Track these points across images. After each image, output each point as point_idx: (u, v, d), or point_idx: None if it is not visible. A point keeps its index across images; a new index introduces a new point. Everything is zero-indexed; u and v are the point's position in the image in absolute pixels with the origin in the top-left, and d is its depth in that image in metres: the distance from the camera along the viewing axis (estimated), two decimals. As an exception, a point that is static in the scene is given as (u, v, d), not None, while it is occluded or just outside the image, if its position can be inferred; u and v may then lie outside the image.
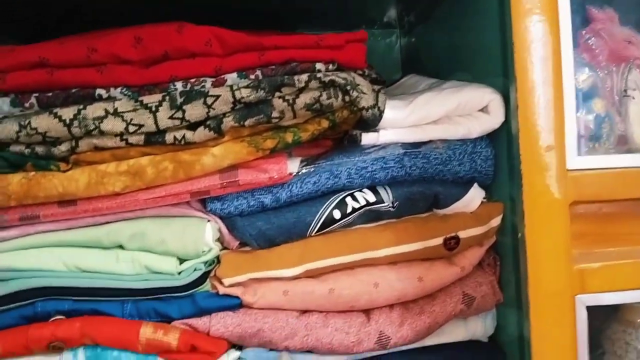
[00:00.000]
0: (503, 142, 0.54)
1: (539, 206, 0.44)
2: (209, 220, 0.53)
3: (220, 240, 0.55)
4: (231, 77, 0.52)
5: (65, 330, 0.49)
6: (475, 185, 0.56)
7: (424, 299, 0.55)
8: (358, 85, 0.52)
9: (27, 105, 0.50)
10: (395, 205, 0.54)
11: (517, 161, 0.47)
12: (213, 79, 0.51)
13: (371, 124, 0.54)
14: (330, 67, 0.53)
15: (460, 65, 0.66)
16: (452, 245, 0.55)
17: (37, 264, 0.50)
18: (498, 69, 0.54)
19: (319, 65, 0.53)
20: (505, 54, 0.51)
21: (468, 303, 0.55)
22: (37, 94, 0.50)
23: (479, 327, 0.58)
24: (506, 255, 0.56)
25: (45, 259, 0.50)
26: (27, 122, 0.49)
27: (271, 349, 0.53)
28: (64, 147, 0.50)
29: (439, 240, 0.55)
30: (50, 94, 0.50)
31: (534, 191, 0.45)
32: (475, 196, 0.56)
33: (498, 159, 0.56)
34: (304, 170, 0.54)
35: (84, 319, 0.49)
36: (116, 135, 0.50)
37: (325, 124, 0.54)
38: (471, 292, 0.55)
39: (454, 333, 0.57)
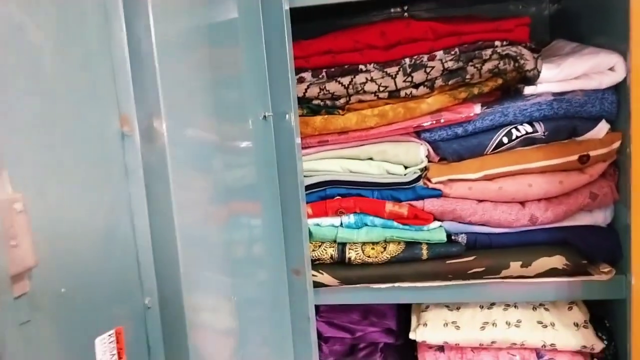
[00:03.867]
0: (623, 92, 0.80)
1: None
2: (422, 144, 0.87)
3: (428, 156, 0.89)
4: (439, 54, 0.83)
5: (344, 203, 0.87)
6: (603, 120, 0.82)
7: (562, 196, 0.84)
8: (523, 55, 0.81)
9: (320, 76, 0.86)
10: (545, 134, 0.83)
11: (629, 104, 0.73)
12: (428, 55, 0.84)
13: (532, 80, 0.82)
14: (505, 43, 0.83)
15: (598, 29, 0.90)
16: (585, 160, 0.83)
17: (327, 167, 0.88)
18: (622, 37, 0.78)
19: (497, 43, 0.82)
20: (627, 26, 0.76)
21: (593, 198, 0.83)
22: (326, 69, 0.86)
23: (600, 217, 0.86)
24: (622, 168, 0.82)
25: (331, 165, 0.88)
26: (323, 86, 0.85)
27: (459, 222, 0.87)
28: (342, 101, 0.86)
29: (575, 157, 0.83)
30: (333, 69, 0.86)
31: (638, 123, 0.71)
32: (602, 128, 0.82)
33: (620, 103, 0.81)
34: (483, 112, 0.85)
35: (354, 198, 0.87)
36: (372, 92, 0.85)
37: (499, 81, 0.84)
38: (596, 191, 0.83)
39: (583, 219, 0.86)
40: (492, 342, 0.84)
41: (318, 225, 0.88)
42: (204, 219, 0.60)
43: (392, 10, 1.19)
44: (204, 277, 0.58)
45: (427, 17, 1.13)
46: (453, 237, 0.87)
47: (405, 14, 1.18)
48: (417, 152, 0.86)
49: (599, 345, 0.83)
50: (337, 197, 0.88)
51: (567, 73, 0.82)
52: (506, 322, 0.85)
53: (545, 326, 0.85)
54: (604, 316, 0.89)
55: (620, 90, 0.81)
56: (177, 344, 0.50)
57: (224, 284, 0.65)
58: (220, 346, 0.66)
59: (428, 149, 0.87)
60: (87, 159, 0.43)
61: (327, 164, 0.88)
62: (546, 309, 0.87)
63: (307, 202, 0.87)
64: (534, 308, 0.88)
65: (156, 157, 0.47)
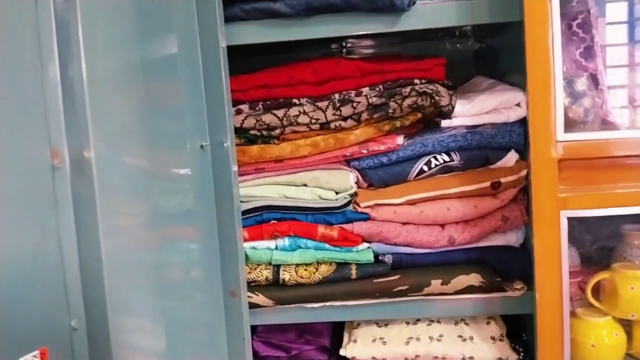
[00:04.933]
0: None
1: (540, 162, 0.80)
2: (351, 172, 0.94)
3: (357, 183, 0.95)
4: (365, 90, 0.91)
5: (279, 227, 0.93)
6: (512, 150, 0.91)
7: (477, 218, 0.92)
8: (439, 92, 0.90)
9: (257, 108, 0.93)
10: (461, 163, 0.92)
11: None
12: (355, 91, 0.91)
13: (447, 114, 0.91)
14: (423, 81, 0.91)
15: (515, 66, 0.99)
16: (496, 186, 0.91)
17: (263, 193, 0.94)
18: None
19: (416, 81, 0.91)
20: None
21: (505, 220, 0.91)
22: (262, 102, 0.93)
23: (513, 238, 0.94)
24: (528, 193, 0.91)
25: (267, 191, 0.94)
26: (259, 118, 0.92)
27: (385, 244, 0.94)
28: (277, 131, 0.93)
29: (488, 183, 0.91)
30: (269, 102, 0.92)
31: (537, 154, 0.81)
32: (511, 157, 0.91)
33: (526, 135, 0.91)
34: (405, 143, 0.93)
35: (289, 222, 0.93)
36: (305, 124, 0.91)
37: (419, 115, 0.93)
38: (507, 214, 0.92)
39: (498, 240, 0.94)
40: (416, 356, 0.91)
41: (254, 248, 0.93)
42: (135, 244, 0.64)
43: (333, 45, 1.27)
44: (132, 300, 0.62)
45: (362, 54, 1.22)
46: (380, 258, 0.94)
47: (344, 49, 1.27)
48: (347, 179, 0.93)
49: (513, 357, 0.90)
50: (273, 221, 0.94)
51: (479, 108, 0.91)
52: (429, 337, 0.92)
53: (465, 340, 0.92)
54: (521, 330, 0.98)
55: (527, 123, 0.91)
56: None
57: (155, 307, 0.68)
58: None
59: (357, 176, 0.94)
60: (17, 189, 0.47)
61: (263, 190, 0.94)
62: (466, 324, 0.95)
63: (244, 227, 0.92)
64: (456, 323, 0.95)
65: (85, 186, 0.52)
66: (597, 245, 0.96)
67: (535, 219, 0.82)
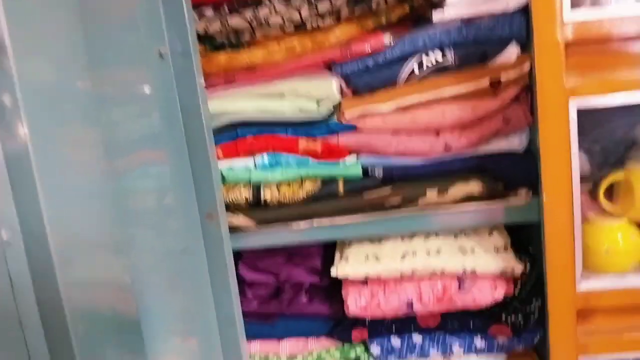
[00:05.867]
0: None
1: (544, 48, 0.70)
2: (333, 78, 0.85)
3: (341, 90, 0.86)
4: (344, -19, 0.80)
5: (257, 143, 0.85)
6: (513, 42, 0.81)
7: (475, 122, 0.83)
8: (428, -22, 0.78)
9: (222, 11, 0.82)
10: (456, 61, 0.82)
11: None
12: (332, -16, 0.80)
13: (439, 4, 0.80)
14: (410, -32, 0.80)
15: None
16: (496, 85, 0.82)
17: (236, 107, 0.85)
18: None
19: (401, -32, 0.79)
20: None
21: (506, 122, 0.82)
22: (227, 3, 0.82)
23: (515, 142, 0.85)
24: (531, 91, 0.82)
25: (241, 104, 0.85)
26: (225, 21, 0.81)
27: (375, 155, 0.86)
28: (247, 36, 0.83)
29: (486, 82, 0.82)
30: (235, 3, 0.82)
31: (541, 39, 0.70)
32: (512, 51, 0.81)
33: (529, 25, 0.80)
34: (393, 41, 0.83)
35: (266, 137, 0.85)
36: (277, 26, 0.81)
37: (406, 9, 0.82)
38: (508, 115, 0.83)
39: (499, 145, 0.85)
40: (413, 272, 0.84)
41: (230, 167, 0.86)
42: (85, 176, 0.58)
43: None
44: (81, 230, 0.56)
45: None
46: (369, 171, 0.86)
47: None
48: (330, 87, 0.83)
49: (518, 267, 0.83)
50: (249, 137, 0.86)
51: (474, -4, 0.80)
52: (427, 251, 0.86)
53: (466, 252, 0.85)
54: (526, 243, 0.91)
55: (529, 12, 0.80)
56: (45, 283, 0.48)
57: (116, 236, 0.63)
58: (109, 299, 0.65)
59: (340, 83, 0.85)
60: None
61: (236, 103, 0.85)
62: (467, 236, 0.88)
63: (217, 144, 0.84)
64: (455, 236, 0.88)
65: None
66: (609, 144, 0.86)
67: (540, 114, 0.73)
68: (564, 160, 0.75)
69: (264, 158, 0.85)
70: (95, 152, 0.63)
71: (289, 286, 0.91)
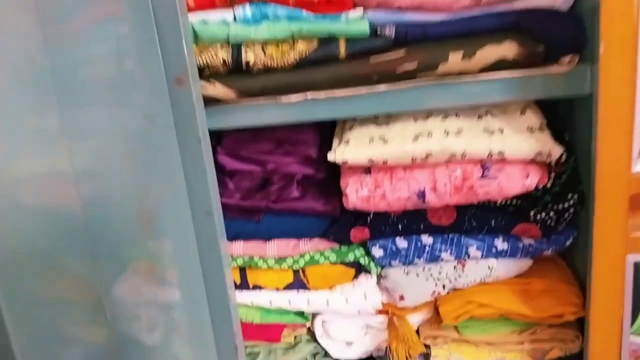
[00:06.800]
0: None
1: None
2: None
3: None
4: None
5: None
6: None
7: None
8: None
9: None
10: None
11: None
12: None
13: None
14: None
15: None
16: None
17: None
18: None
19: None
20: None
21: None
22: None
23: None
24: None
25: None
26: None
27: (386, 10, 0.68)
28: None
29: None
30: None
31: None
32: None
33: None
34: None
35: None
36: None
37: None
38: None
39: (540, 1, 0.68)
40: (427, 156, 0.69)
41: (204, 21, 0.68)
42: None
43: None
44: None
45: None
46: (378, 30, 0.68)
47: None
48: None
49: (556, 151, 0.68)
50: (228, -14, 0.68)
51: None
52: (444, 131, 0.70)
53: (492, 132, 0.70)
54: (562, 130, 0.75)
55: None
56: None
57: (55, 115, 0.54)
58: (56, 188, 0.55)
59: None
60: None
61: None
62: (494, 117, 0.72)
63: (186, -11, 0.66)
64: (479, 117, 0.73)
65: None
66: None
67: None
68: (628, 14, 0.58)
69: (245, 9, 0.68)
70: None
71: (277, 178, 0.76)
